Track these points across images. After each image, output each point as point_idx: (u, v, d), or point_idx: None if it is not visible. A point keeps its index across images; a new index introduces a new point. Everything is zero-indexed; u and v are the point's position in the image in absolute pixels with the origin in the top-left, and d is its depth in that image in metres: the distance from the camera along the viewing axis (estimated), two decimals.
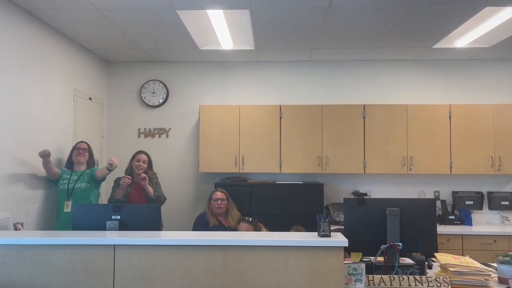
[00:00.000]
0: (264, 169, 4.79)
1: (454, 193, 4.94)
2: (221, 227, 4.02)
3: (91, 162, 4.04)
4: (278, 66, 5.28)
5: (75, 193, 3.78)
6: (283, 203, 4.67)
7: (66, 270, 2.37)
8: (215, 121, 4.88)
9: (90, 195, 3.87)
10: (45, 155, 3.60)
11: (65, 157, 4.14)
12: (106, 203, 4.43)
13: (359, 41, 4.46)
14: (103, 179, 3.99)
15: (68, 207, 3.73)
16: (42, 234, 3.05)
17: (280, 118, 4.86)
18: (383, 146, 4.76)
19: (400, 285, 2.43)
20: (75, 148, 3.96)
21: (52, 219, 3.93)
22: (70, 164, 3.96)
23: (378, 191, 5.05)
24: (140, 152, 4.22)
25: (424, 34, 4.20)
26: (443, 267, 2.57)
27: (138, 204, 3.84)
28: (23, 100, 3.55)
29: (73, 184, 3.79)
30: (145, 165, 4.12)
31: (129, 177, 3.99)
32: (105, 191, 4.94)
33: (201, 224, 4.10)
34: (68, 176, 3.83)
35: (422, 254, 2.69)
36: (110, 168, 3.78)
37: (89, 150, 4.03)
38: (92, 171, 3.94)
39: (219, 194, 4.16)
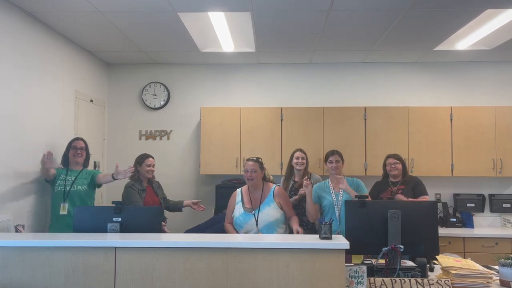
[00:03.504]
0: None
1: (455, 195, 4.93)
2: None
3: (86, 160, 3.92)
4: (279, 68, 5.29)
5: (72, 195, 3.69)
6: None
7: (67, 272, 2.38)
8: (216, 123, 4.88)
9: (87, 199, 3.79)
10: (48, 155, 3.62)
11: None
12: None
13: (360, 44, 4.46)
14: (101, 185, 3.92)
15: (64, 209, 3.62)
16: (43, 236, 3.05)
17: (281, 120, 4.86)
18: (384, 148, 4.74)
19: (402, 287, 2.43)
20: (72, 147, 3.81)
21: (47, 221, 3.91)
22: (66, 160, 3.83)
23: None
24: (148, 156, 4.03)
25: (425, 37, 4.20)
26: (445, 270, 2.56)
27: (140, 207, 3.81)
28: (24, 102, 3.56)
29: (70, 185, 3.70)
30: (154, 168, 4.01)
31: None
32: (105, 195, 4.95)
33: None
34: (64, 177, 3.74)
35: (424, 256, 2.68)
36: (117, 177, 3.63)
37: (86, 148, 3.88)
38: (93, 174, 3.85)
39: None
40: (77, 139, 3.89)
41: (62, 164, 3.87)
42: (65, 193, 3.68)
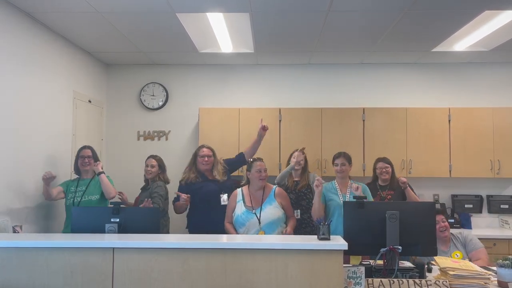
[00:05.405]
0: None
1: (453, 196, 4.94)
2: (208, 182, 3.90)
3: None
4: (277, 69, 5.29)
5: (84, 205, 3.60)
6: None
7: (65, 273, 2.37)
8: (214, 124, 4.88)
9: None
10: (49, 178, 3.47)
11: (64, 158, 4.14)
12: None
13: (358, 44, 4.46)
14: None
15: None
16: (41, 237, 3.04)
17: (280, 121, 4.87)
18: (383, 149, 4.74)
19: None
20: (79, 156, 3.78)
21: (50, 222, 3.91)
22: (77, 169, 3.81)
23: None
24: (149, 156, 4.07)
25: (423, 38, 4.21)
26: (443, 271, 2.57)
27: (138, 207, 3.81)
28: (22, 102, 3.55)
29: (80, 196, 3.65)
30: (153, 169, 3.97)
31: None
32: None
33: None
34: (74, 188, 3.69)
35: (422, 257, 2.69)
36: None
37: (94, 155, 3.83)
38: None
39: (205, 151, 3.94)
40: (84, 147, 3.85)
41: (74, 172, 3.86)
42: (75, 205, 3.60)
